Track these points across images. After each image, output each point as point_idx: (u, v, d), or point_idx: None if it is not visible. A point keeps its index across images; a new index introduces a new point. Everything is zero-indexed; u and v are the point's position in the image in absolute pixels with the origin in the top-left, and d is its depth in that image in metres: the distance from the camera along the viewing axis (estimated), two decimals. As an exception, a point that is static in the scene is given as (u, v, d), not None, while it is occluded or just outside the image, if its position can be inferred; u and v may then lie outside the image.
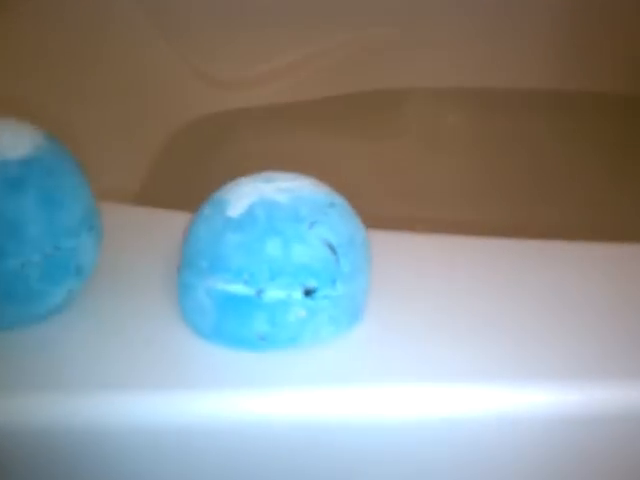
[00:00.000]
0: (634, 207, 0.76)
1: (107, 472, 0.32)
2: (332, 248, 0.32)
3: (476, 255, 0.41)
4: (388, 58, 0.91)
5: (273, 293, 0.31)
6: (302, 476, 0.34)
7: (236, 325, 0.32)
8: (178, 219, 0.38)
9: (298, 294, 0.32)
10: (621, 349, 0.35)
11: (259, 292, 0.31)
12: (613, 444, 0.35)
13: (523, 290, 0.38)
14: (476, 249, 0.41)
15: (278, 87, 0.89)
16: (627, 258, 0.41)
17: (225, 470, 0.33)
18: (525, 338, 0.35)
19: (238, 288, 0.31)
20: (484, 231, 0.43)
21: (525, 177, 0.82)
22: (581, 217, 0.75)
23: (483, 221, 0.73)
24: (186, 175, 0.77)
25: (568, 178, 0.81)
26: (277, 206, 0.32)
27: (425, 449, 0.34)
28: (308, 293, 0.32)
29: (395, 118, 0.92)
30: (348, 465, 0.34)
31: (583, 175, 0.82)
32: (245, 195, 0.32)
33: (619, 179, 0.83)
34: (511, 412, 0.33)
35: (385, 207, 0.73)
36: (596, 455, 0.35)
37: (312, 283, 0.32)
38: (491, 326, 0.36)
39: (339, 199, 0.34)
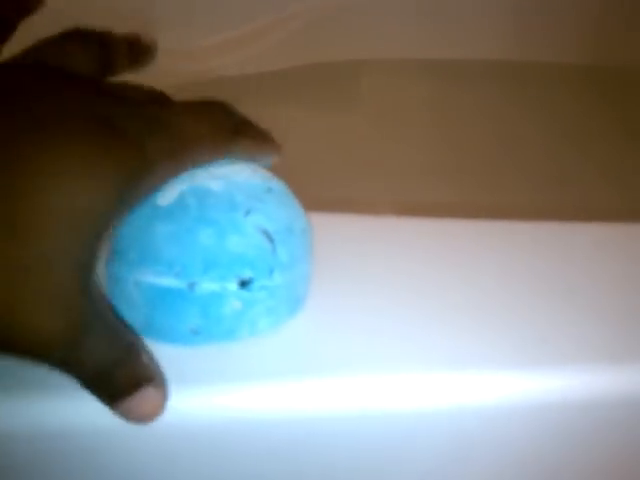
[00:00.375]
0: (601, 180, 0.76)
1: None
2: (269, 236, 0.31)
3: (431, 237, 0.40)
4: (344, 29, 0.89)
5: (206, 285, 0.30)
6: (239, 476, 0.33)
7: (168, 319, 0.30)
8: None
9: (233, 286, 0.30)
10: (614, 332, 0.34)
11: (191, 285, 0.30)
12: (621, 429, 0.34)
13: (481, 272, 0.37)
14: (431, 230, 0.40)
15: (230, 60, 0.87)
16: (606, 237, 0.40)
17: (156, 472, 0.32)
18: (480, 322, 0.34)
19: (169, 281, 0.30)
20: (445, 210, 0.42)
21: (487, 151, 0.81)
22: (549, 192, 0.74)
23: (444, 199, 0.72)
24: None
25: (532, 151, 0.81)
26: (210, 194, 0.30)
27: (368, 442, 0.33)
28: (244, 284, 0.30)
29: (353, 90, 0.91)
30: (289, 462, 0.33)
31: (547, 147, 0.81)
32: (176, 182, 0.30)
33: (584, 151, 0.82)
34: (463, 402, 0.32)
35: (343, 184, 0.72)
36: (603, 440, 0.35)
37: (248, 274, 0.30)
38: (446, 312, 0.34)
39: (277, 184, 0.33)
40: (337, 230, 0.38)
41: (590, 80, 0.91)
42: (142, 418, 0.28)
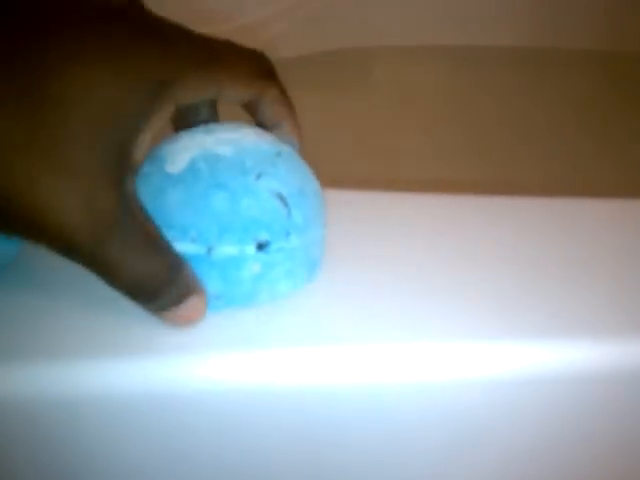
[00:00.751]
0: (610, 161, 0.75)
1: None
2: (282, 199, 0.31)
3: (439, 213, 0.40)
4: (352, 16, 0.89)
5: (224, 249, 0.30)
6: (262, 445, 0.33)
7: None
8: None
9: (251, 249, 0.30)
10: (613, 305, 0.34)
11: (209, 249, 0.30)
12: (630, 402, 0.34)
13: (490, 248, 0.37)
14: (439, 206, 0.40)
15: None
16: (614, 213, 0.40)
17: (180, 439, 0.32)
18: (499, 297, 0.34)
19: (186, 247, 0.30)
20: (459, 189, 0.42)
21: (500, 134, 0.81)
22: (561, 172, 0.74)
23: (458, 179, 0.72)
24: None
25: (545, 134, 0.80)
26: (220, 159, 0.30)
27: (391, 414, 0.33)
28: (261, 247, 0.30)
29: (367, 76, 0.91)
30: (313, 432, 0.33)
31: (559, 130, 0.80)
32: (185, 149, 0.31)
33: (595, 134, 0.81)
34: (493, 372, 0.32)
35: (358, 166, 0.72)
36: (614, 415, 0.35)
37: (264, 236, 0.30)
38: (457, 285, 0.34)
39: (286, 148, 0.33)
40: (350, 206, 0.38)
41: (603, 65, 0.91)
42: (187, 324, 0.30)
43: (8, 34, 0.26)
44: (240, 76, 0.31)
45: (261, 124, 0.34)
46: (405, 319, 0.32)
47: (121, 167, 0.28)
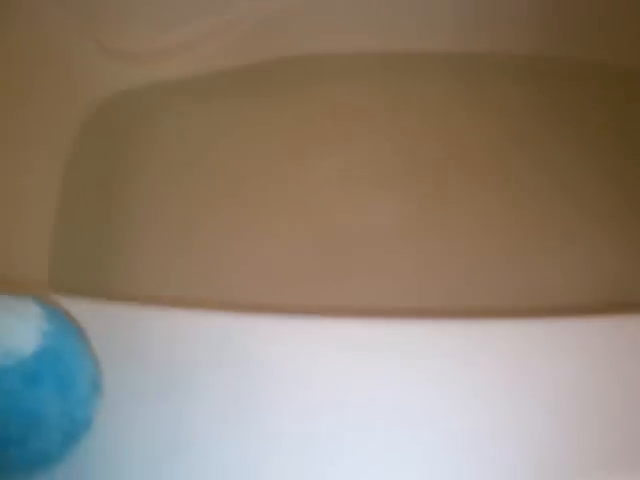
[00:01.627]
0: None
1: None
2: None
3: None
4: (294, 25, 0.89)
5: None
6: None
7: None
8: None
9: None
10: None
11: None
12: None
13: None
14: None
15: (186, 59, 0.87)
16: None
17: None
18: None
19: None
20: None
21: (438, 141, 0.83)
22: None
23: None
24: (103, 162, 0.74)
25: (478, 149, 0.82)
26: None
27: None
28: None
29: (309, 84, 0.90)
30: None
31: (493, 144, 0.82)
32: None
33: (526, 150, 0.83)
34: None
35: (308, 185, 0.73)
36: None
37: None
38: None
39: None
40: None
41: (532, 71, 0.92)
42: None
43: None
44: None
45: None
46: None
47: None
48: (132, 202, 0.74)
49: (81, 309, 0.38)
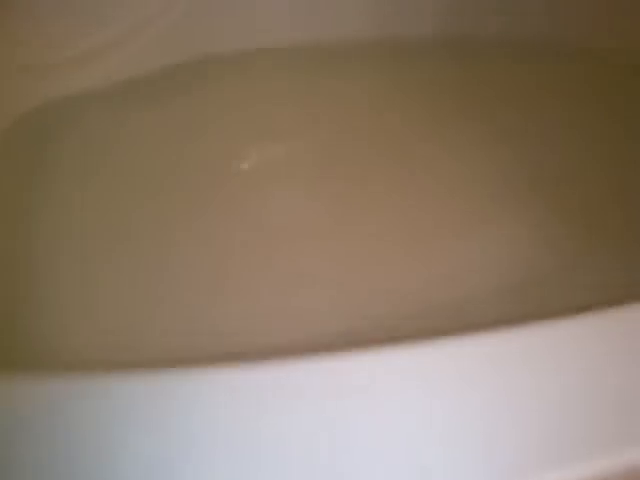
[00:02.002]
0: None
1: None
2: None
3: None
4: (207, 23, 0.89)
5: None
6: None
7: None
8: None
9: None
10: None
11: None
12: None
13: None
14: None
15: (98, 68, 0.85)
16: None
17: None
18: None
19: None
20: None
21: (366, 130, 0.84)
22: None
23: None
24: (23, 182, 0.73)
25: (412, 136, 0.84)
26: None
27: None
28: None
29: (238, 83, 0.90)
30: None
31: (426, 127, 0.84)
32: None
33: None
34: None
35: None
36: None
37: None
38: None
39: None
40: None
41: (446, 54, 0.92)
42: None
43: None
44: None
45: None
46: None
47: None
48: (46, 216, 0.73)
49: None
